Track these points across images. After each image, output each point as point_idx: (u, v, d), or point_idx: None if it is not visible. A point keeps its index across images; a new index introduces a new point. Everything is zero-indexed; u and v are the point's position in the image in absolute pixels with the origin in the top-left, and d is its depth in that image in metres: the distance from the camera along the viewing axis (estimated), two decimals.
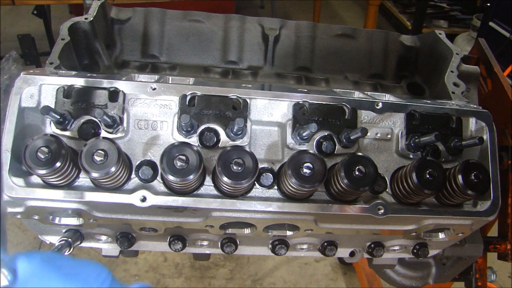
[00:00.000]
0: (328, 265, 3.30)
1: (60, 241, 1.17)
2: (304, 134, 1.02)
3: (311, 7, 5.55)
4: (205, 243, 1.30)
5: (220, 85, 1.07)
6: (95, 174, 0.90)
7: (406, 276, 1.75)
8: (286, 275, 3.19)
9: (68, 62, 1.29)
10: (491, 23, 4.07)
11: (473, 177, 1.01)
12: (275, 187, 1.06)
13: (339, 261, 3.30)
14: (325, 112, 1.07)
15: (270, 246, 1.28)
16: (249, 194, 1.05)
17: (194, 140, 1.03)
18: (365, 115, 1.10)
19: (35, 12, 4.08)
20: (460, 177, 1.01)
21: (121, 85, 1.03)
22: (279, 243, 1.25)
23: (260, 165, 1.03)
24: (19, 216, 1.07)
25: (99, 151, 0.90)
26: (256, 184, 1.05)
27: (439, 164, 1.01)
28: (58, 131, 1.01)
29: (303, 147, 1.06)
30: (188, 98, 1.04)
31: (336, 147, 1.07)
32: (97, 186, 1.01)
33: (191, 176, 0.91)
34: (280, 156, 1.08)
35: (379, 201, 1.07)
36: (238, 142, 1.04)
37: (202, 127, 1.03)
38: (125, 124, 1.03)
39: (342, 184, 0.98)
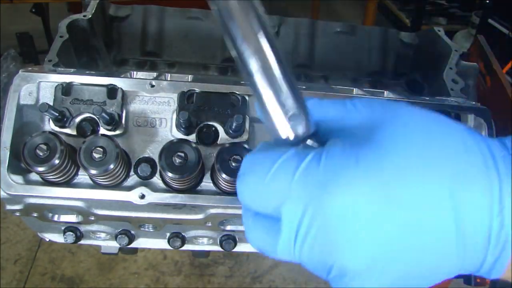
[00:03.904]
0: None
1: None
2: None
3: (309, 4, 5.54)
4: (204, 240, 1.30)
5: (219, 82, 1.07)
6: (93, 172, 0.90)
7: None
8: (286, 273, 3.20)
9: (66, 60, 1.29)
10: (490, 20, 4.07)
11: None
12: None
13: None
14: None
15: None
16: None
17: (192, 137, 1.03)
18: None
19: (33, 10, 4.07)
20: None
21: (120, 82, 1.03)
22: None
23: None
24: (18, 214, 1.07)
25: (98, 148, 0.90)
26: None
27: None
28: (57, 129, 1.01)
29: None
30: (186, 95, 1.04)
31: None
32: (96, 184, 1.01)
33: (190, 173, 0.91)
34: None
35: None
36: (237, 139, 1.04)
37: (201, 124, 1.03)
38: (123, 121, 1.03)
39: None
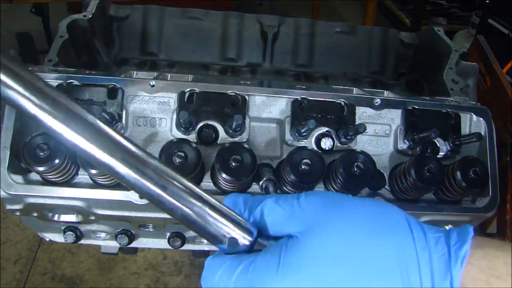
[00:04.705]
0: None
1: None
2: (302, 131, 1.02)
3: (309, 4, 5.54)
4: (205, 240, 1.30)
5: (219, 82, 1.07)
6: (93, 171, 0.90)
7: None
8: None
9: (66, 60, 1.29)
10: (490, 20, 4.07)
11: (471, 173, 1.01)
12: None
13: None
14: (324, 108, 1.08)
15: None
16: (248, 191, 1.05)
17: (192, 137, 1.03)
18: (363, 112, 1.10)
19: (33, 10, 4.06)
20: (458, 173, 1.01)
21: (120, 82, 1.03)
22: None
23: (259, 162, 1.03)
24: (18, 214, 1.07)
25: None
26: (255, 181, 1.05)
27: (437, 160, 1.01)
28: None
29: (302, 144, 1.06)
30: (186, 95, 1.04)
31: (335, 143, 1.07)
32: (96, 183, 1.01)
33: (190, 173, 0.91)
34: (279, 152, 1.08)
35: (378, 197, 1.07)
36: (236, 139, 1.04)
37: (201, 124, 1.03)
38: (123, 121, 1.03)
39: (340, 180, 0.98)
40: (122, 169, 0.64)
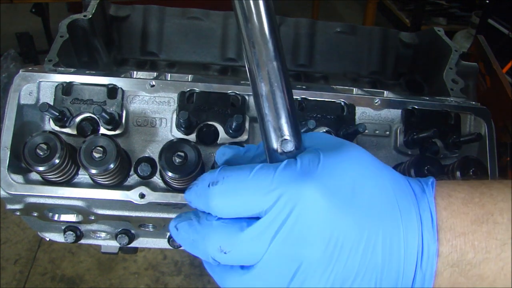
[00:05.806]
0: None
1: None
2: (302, 131, 1.02)
3: (309, 4, 5.54)
4: None
5: (219, 82, 1.07)
6: (93, 171, 0.90)
7: None
8: None
9: (67, 60, 1.29)
10: (490, 20, 4.07)
11: (471, 173, 1.01)
12: None
13: None
14: (324, 108, 1.08)
15: None
16: None
17: (192, 136, 1.03)
18: (363, 112, 1.10)
19: (33, 10, 4.07)
20: (458, 173, 1.01)
21: (120, 82, 1.03)
22: None
23: None
24: (18, 213, 1.07)
25: (98, 148, 0.90)
26: None
27: (437, 161, 1.01)
28: (57, 128, 1.01)
29: None
30: (186, 95, 1.04)
31: None
32: (96, 183, 1.01)
33: (190, 173, 0.91)
34: None
35: None
36: (237, 139, 1.04)
37: (201, 124, 1.03)
38: (123, 121, 1.03)
39: None
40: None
